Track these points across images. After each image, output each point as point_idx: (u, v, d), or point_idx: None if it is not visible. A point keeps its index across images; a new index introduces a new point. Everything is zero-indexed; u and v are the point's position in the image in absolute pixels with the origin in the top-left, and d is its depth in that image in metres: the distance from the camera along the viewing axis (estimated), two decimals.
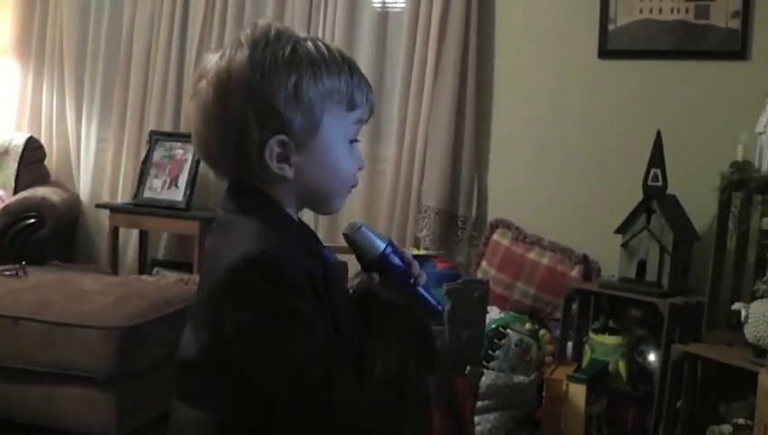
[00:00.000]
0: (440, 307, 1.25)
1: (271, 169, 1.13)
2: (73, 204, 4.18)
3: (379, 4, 3.79)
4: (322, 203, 1.23)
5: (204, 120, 1.14)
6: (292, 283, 1.07)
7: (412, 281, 1.22)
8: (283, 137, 1.12)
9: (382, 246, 1.20)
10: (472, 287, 2.81)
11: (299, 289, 1.08)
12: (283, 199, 1.17)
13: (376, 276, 1.21)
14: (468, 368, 2.88)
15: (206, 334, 1.13)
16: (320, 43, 1.16)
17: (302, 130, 1.13)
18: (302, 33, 1.17)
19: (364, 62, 3.60)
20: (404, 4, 3.69)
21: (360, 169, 1.23)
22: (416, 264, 1.23)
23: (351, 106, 1.18)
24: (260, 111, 1.10)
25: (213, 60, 1.15)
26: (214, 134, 1.14)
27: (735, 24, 3.17)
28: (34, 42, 4.41)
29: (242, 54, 1.12)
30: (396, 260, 1.20)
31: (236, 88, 1.11)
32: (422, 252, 3.27)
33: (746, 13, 3.15)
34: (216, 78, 1.12)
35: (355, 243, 1.20)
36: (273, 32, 1.14)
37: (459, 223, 3.60)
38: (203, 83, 1.14)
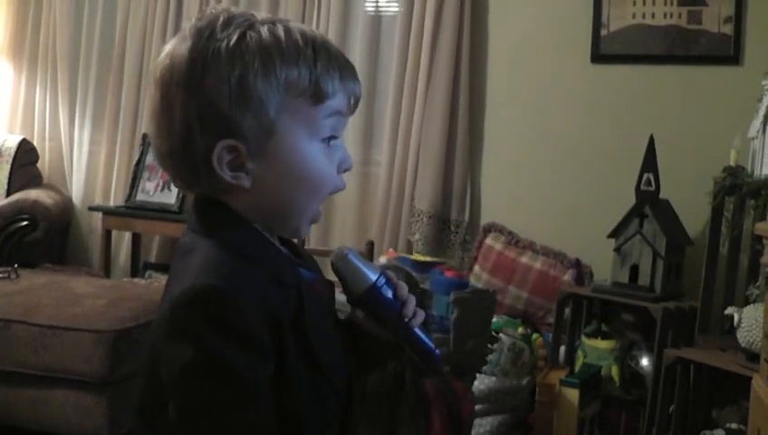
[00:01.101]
0: (437, 351, 1.09)
1: (223, 179, 0.97)
2: (66, 206, 4.18)
3: (372, 8, 3.79)
4: (286, 219, 1.03)
5: (153, 127, 1.00)
6: (240, 328, 0.91)
7: (406, 321, 1.06)
8: (230, 141, 0.95)
9: (372, 278, 1.04)
10: (479, 297, 2.83)
11: (247, 337, 0.91)
12: (249, 215, 1.01)
13: (360, 314, 1.08)
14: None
15: (144, 377, 1.00)
16: (278, 26, 0.98)
17: (254, 132, 0.96)
18: (262, 16, 1.00)
19: (357, 66, 3.58)
20: (397, 9, 3.70)
21: (345, 170, 1.05)
22: (411, 300, 1.07)
23: (318, 98, 0.99)
24: (202, 112, 0.95)
25: (160, 57, 1.00)
26: (163, 141, 0.98)
27: (728, 29, 3.19)
28: (28, 43, 4.41)
29: (184, 48, 0.96)
30: (388, 295, 1.05)
31: (177, 87, 0.95)
32: (427, 258, 3.27)
33: (738, 18, 3.17)
34: (160, 77, 0.98)
35: (340, 273, 1.05)
36: (221, 19, 0.97)
37: (452, 227, 3.60)
38: (151, 84, 1.00)
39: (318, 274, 1.11)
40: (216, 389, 0.90)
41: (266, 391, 0.93)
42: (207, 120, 0.95)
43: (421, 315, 1.08)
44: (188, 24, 0.99)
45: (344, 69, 1.02)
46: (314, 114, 0.99)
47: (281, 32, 0.97)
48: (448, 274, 3.02)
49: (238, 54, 0.95)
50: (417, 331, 1.08)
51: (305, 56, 0.97)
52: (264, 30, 0.97)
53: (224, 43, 0.95)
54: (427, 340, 1.08)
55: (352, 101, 1.04)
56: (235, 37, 0.95)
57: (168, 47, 0.99)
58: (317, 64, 0.98)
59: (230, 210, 1.00)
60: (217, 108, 0.94)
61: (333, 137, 1.02)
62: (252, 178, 0.98)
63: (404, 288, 1.08)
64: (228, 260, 0.96)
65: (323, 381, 1.01)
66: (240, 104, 0.95)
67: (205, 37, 0.96)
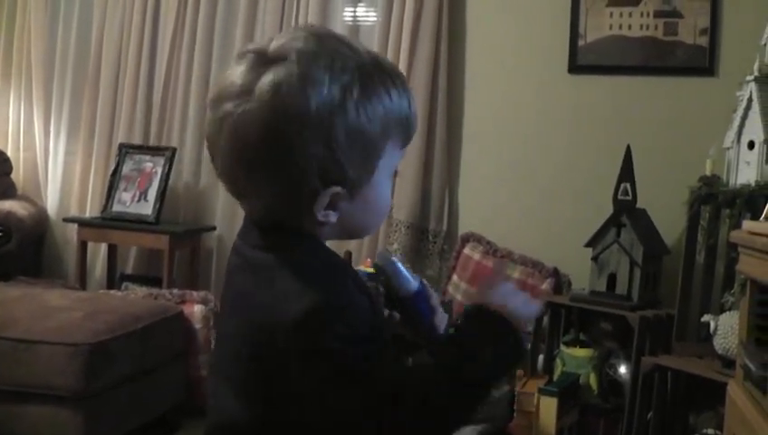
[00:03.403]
0: None
1: (315, 217, 0.98)
2: (41, 218, 4.13)
3: (350, 18, 3.79)
4: (358, 234, 1.10)
5: (242, 161, 0.96)
6: (362, 328, 0.96)
7: (435, 325, 1.14)
8: (339, 189, 0.96)
9: (414, 285, 1.12)
10: None
11: (369, 333, 0.97)
12: (318, 235, 1.04)
13: (397, 315, 1.14)
14: None
15: (255, 397, 0.99)
16: (385, 71, 0.99)
17: (358, 177, 0.98)
18: (361, 49, 0.99)
19: None
20: (375, 19, 3.70)
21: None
22: (440, 309, 1.16)
23: (406, 143, 1.03)
24: (322, 157, 0.93)
25: (244, 79, 0.95)
26: (254, 177, 0.97)
27: (703, 41, 3.22)
28: (1, 52, 4.36)
29: (294, 82, 0.92)
30: (422, 303, 1.13)
31: (300, 126, 0.92)
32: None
33: (714, 30, 3.20)
34: (260, 112, 0.93)
35: (386, 275, 1.12)
36: (324, 50, 0.95)
37: (430, 237, 3.60)
38: (229, 108, 0.94)
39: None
40: (365, 387, 0.94)
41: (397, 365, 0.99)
42: (325, 167, 0.95)
43: (445, 322, 1.15)
44: (290, 46, 0.95)
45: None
46: (398, 156, 1.04)
47: (389, 78, 0.98)
48: None
49: (362, 107, 0.95)
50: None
51: (407, 101, 1.00)
52: (376, 73, 0.97)
53: (347, 92, 0.94)
54: None
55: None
56: (357, 86, 0.95)
57: (268, 73, 0.94)
58: (411, 106, 1.01)
59: (303, 230, 1.02)
60: (336, 156, 0.94)
61: (396, 172, 1.07)
62: (339, 214, 1.00)
63: (435, 297, 1.15)
64: (326, 272, 0.99)
65: None
66: (356, 154, 0.96)
67: (327, 81, 0.93)
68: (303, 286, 0.95)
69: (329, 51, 0.96)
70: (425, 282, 1.16)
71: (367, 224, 1.07)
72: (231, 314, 1.05)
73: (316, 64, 0.94)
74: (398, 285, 1.12)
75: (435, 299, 1.16)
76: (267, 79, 0.94)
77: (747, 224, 1.79)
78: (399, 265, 1.13)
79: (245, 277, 1.03)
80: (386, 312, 1.14)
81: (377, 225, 1.10)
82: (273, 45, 0.97)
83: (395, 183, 1.09)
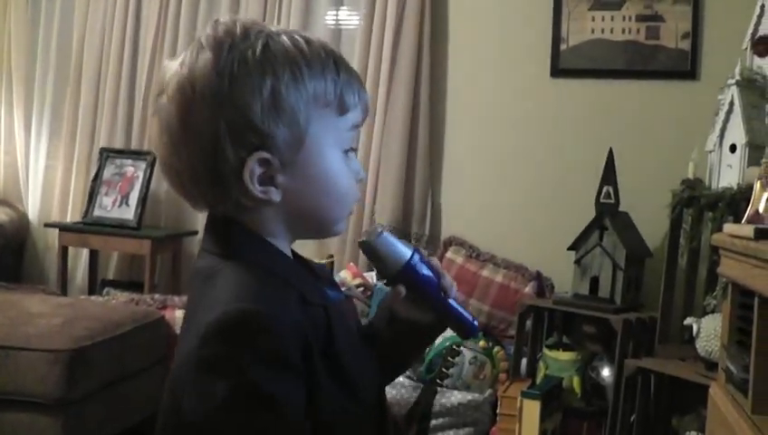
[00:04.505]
0: (475, 322, 1.10)
1: (253, 194, 0.94)
2: (21, 223, 4.10)
3: (332, 22, 3.79)
4: (320, 226, 1.03)
5: (169, 144, 0.95)
6: (279, 355, 0.87)
7: (443, 294, 1.07)
8: (264, 154, 0.93)
9: (408, 253, 1.03)
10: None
11: (286, 365, 0.87)
12: (272, 230, 0.98)
13: (402, 290, 1.05)
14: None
15: (165, 414, 0.94)
16: (297, 37, 0.96)
17: (286, 143, 0.94)
18: (274, 27, 0.98)
19: None
20: (357, 23, 3.70)
21: (359, 180, 1.05)
22: (447, 275, 1.08)
23: (343, 109, 0.98)
24: (233, 125, 0.91)
25: (172, 69, 0.96)
26: (182, 159, 0.94)
27: (685, 44, 3.24)
28: None
29: (204, 59, 0.93)
30: (424, 271, 1.04)
31: (202, 100, 0.92)
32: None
33: (696, 34, 3.22)
34: (178, 92, 0.93)
35: (376, 251, 1.03)
36: (238, 28, 0.95)
37: (412, 241, 3.59)
38: (163, 99, 0.96)
39: (340, 292, 1.10)
40: (262, 424, 0.85)
41: (305, 421, 0.89)
42: (239, 134, 0.92)
43: (455, 288, 1.09)
44: (203, 34, 0.96)
45: (359, 81, 1.02)
46: (339, 125, 0.99)
47: (302, 42, 0.96)
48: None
49: (267, 65, 0.93)
50: (454, 303, 1.08)
51: (329, 67, 0.97)
52: (285, 40, 0.95)
53: (249, 53, 0.93)
54: (464, 311, 1.09)
55: (364, 114, 1.04)
56: (259, 47, 0.93)
57: (185, 58, 0.95)
58: (340, 75, 0.98)
59: (250, 231, 0.97)
60: (249, 120, 0.92)
61: (352, 148, 1.03)
62: (281, 191, 0.96)
63: (437, 263, 1.08)
64: (258, 282, 0.93)
65: (357, 404, 0.98)
66: (272, 115, 0.92)
67: (226, 48, 0.93)
68: (233, 293, 0.90)
69: (234, 28, 0.96)
70: (421, 250, 1.08)
71: (322, 206, 1.00)
72: (181, 331, 1.00)
73: (216, 38, 0.94)
74: (392, 259, 1.03)
75: (437, 264, 1.08)
76: (176, 63, 0.96)
77: (729, 227, 1.80)
78: (390, 237, 1.04)
79: (195, 287, 0.98)
80: (386, 288, 1.08)
81: (337, 209, 1.02)
82: None
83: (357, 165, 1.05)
